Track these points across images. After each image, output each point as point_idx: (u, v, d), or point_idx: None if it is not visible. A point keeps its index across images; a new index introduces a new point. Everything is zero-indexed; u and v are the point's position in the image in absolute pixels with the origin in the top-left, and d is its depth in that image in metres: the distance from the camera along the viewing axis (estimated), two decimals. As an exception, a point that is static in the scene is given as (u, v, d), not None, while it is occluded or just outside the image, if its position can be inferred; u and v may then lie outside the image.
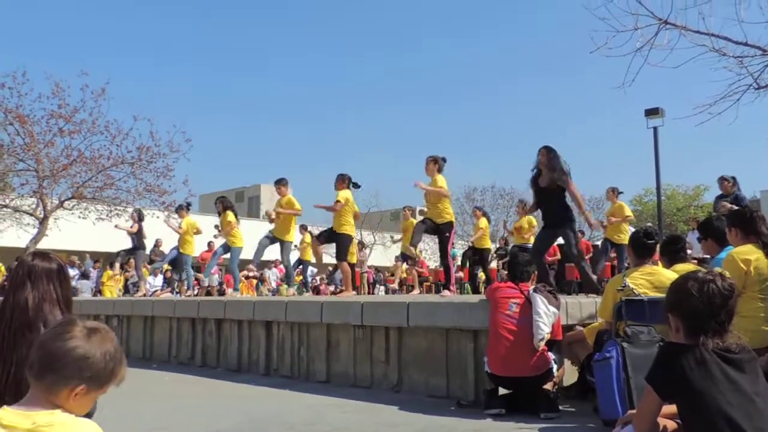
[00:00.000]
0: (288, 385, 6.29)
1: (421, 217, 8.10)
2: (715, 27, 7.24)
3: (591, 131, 77.29)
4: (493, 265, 14.95)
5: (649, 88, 52.88)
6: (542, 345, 4.60)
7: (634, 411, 2.29)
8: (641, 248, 4.50)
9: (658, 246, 4.81)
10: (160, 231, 13.76)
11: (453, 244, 7.98)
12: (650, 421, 2.13)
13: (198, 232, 11.95)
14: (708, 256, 4.77)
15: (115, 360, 1.66)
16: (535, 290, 4.80)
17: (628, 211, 10.58)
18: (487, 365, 4.77)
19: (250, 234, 14.13)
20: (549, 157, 6.64)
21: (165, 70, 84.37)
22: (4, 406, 1.59)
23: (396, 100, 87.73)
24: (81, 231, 19.49)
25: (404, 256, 14.07)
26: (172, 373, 7.46)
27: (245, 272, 20.90)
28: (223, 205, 10.86)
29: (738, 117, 7.71)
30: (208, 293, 14.72)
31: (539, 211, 7.11)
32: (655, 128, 17.07)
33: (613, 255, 11.13)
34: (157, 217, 17.89)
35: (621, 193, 10.84)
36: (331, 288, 19.61)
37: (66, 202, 17.43)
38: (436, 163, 7.87)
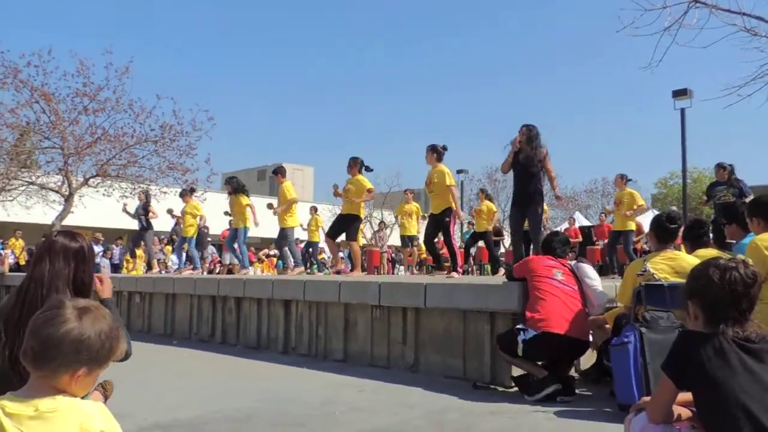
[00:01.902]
0: (305, 363, 6.35)
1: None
2: (746, 6, 7.06)
3: (617, 112, 76.11)
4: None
5: (677, 70, 51.83)
6: (605, 306, 4.69)
7: (648, 398, 2.25)
8: (663, 232, 4.43)
9: (680, 230, 4.73)
10: (178, 210, 13.87)
11: (454, 226, 8.09)
12: (664, 409, 2.09)
13: (199, 215, 12.03)
14: (733, 242, 4.68)
15: (111, 338, 1.61)
16: (578, 261, 4.91)
17: (640, 200, 10.47)
18: (528, 330, 4.52)
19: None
20: (530, 135, 6.81)
21: (189, 50, 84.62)
22: (7, 394, 1.57)
23: (424, 85, 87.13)
24: (106, 208, 19.74)
25: (405, 240, 13.99)
26: (192, 350, 7.57)
27: (266, 251, 21.09)
28: (232, 187, 10.84)
29: (769, 98, 7.51)
30: (230, 271, 14.89)
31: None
32: (682, 110, 16.71)
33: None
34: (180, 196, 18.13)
35: (630, 180, 10.77)
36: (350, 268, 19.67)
37: (91, 180, 17.63)
38: (435, 152, 7.97)
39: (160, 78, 68.68)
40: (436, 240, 8.36)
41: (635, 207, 10.33)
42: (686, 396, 2.12)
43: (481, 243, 13.14)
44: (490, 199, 12.43)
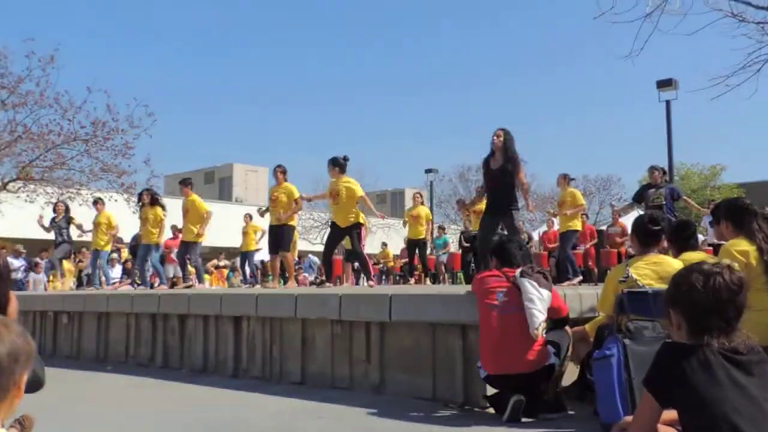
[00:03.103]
0: (258, 387, 6.28)
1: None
2: (733, -11, 7.23)
3: (597, 106, 77.51)
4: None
5: (660, 61, 53.06)
6: (540, 334, 4.55)
7: (630, 417, 2.28)
8: (646, 235, 4.50)
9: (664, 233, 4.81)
10: (118, 217, 13.63)
11: (363, 239, 9.15)
12: (648, 429, 2.12)
13: (112, 227, 12.10)
14: (723, 243, 4.79)
15: (19, 358, 1.55)
16: (521, 274, 4.71)
17: (580, 200, 10.90)
18: (482, 368, 4.69)
19: (222, 218, 14.11)
20: (505, 139, 6.91)
21: (125, 39, 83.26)
22: None
23: (378, 81, 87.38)
24: (29, 216, 19.26)
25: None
26: (129, 376, 7.40)
27: (215, 261, 20.84)
28: (151, 196, 11.17)
29: (758, 90, 7.74)
30: (173, 285, 14.66)
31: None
32: (667, 101, 17.12)
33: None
34: (116, 201, 17.78)
35: (573, 179, 11.24)
36: (311, 278, 19.59)
37: (10, 184, 17.22)
38: (336, 165, 8.75)
39: (93, 69, 67.35)
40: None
41: (577, 207, 10.75)
42: (672, 414, 2.15)
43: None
44: (424, 204, 13.36)
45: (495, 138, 6.96)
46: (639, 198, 10.25)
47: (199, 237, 10.48)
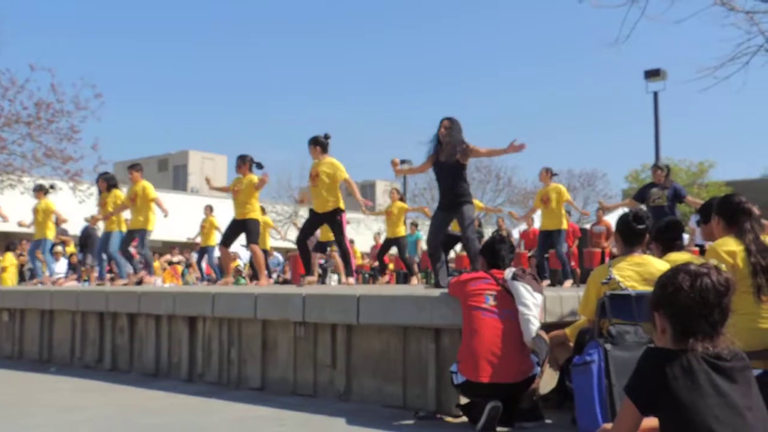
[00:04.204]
0: (214, 393, 6.25)
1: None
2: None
3: (579, 98, 78.35)
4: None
5: (648, 52, 53.86)
6: (533, 342, 4.59)
7: (609, 425, 2.32)
8: (630, 234, 4.57)
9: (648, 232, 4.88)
10: (63, 207, 13.46)
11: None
12: (628, 438, 2.17)
13: (55, 218, 12.07)
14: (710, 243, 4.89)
15: None
16: (513, 277, 4.73)
17: (567, 194, 11.14)
18: (458, 374, 4.66)
19: (177, 209, 14.00)
20: (450, 128, 6.84)
21: (72, 13, 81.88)
22: None
23: (348, 69, 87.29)
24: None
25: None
26: (75, 378, 7.34)
27: (168, 257, 20.64)
28: (106, 182, 11.09)
29: (747, 83, 7.89)
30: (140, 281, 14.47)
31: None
32: (655, 93, 17.39)
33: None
34: (60, 189, 17.52)
35: (555, 174, 11.40)
36: (274, 276, 19.49)
37: (-55, 170, 16.89)
38: (318, 144, 8.52)
39: (36, 47, 66.18)
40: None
41: (567, 201, 10.99)
42: (652, 422, 2.20)
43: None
44: (403, 200, 13.27)
45: (442, 129, 6.89)
46: (641, 197, 10.32)
47: (147, 224, 10.36)
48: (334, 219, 8.39)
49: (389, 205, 13.50)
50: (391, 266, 19.23)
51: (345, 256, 8.78)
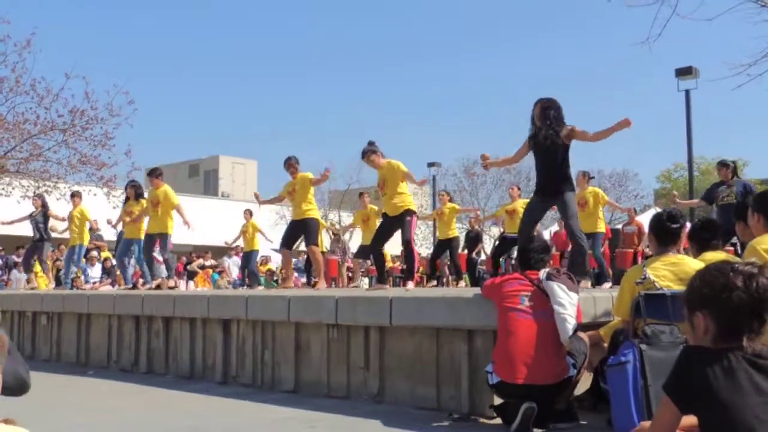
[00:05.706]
0: (248, 395, 6.30)
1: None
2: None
3: (610, 97, 77.57)
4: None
5: (679, 50, 53.09)
6: (570, 342, 4.57)
7: (647, 423, 2.31)
8: (664, 234, 4.52)
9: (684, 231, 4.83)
10: (97, 212, 13.68)
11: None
12: (666, 437, 2.15)
13: (89, 224, 12.21)
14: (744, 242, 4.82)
15: None
16: (548, 277, 4.70)
17: (605, 198, 11.05)
18: (494, 374, 4.63)
19: (207, 214, 14.11)
20: (542, 108, 6.53)
21: (105, 22, 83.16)
22: None
23: (380, 62, 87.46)
24: (3, 211, 19.27)
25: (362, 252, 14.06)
26: (112, 381, 7.45)
27: (201, 261, 20.86)
28: (135, 191, 11.18)
29: (782, 80, 7.75)
30: (159, 286, 14.65)
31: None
32: (687, 91, 17.15)
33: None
34: (95, 195, 17.79)
35: (592, 177, 11.30)
36: (303, 279, 19.58)
37: (-16, 177, 17.26)
38: (374, 153, 8.01)
39: (71, 55, 67.28)
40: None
41: (608, 204, 11.03)
42: (691, 420, 2.18)
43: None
44: (452, 200, 13.20)
45: (534, 110, 6.57)
46: (709, 197, 9.94)
47: (167, 228, 10.31)
48: (404, 220, 7.88)
49: (440, 207, 13.23)
50: (421, 269, 19.15)
51: (411, 258, 8.13)
